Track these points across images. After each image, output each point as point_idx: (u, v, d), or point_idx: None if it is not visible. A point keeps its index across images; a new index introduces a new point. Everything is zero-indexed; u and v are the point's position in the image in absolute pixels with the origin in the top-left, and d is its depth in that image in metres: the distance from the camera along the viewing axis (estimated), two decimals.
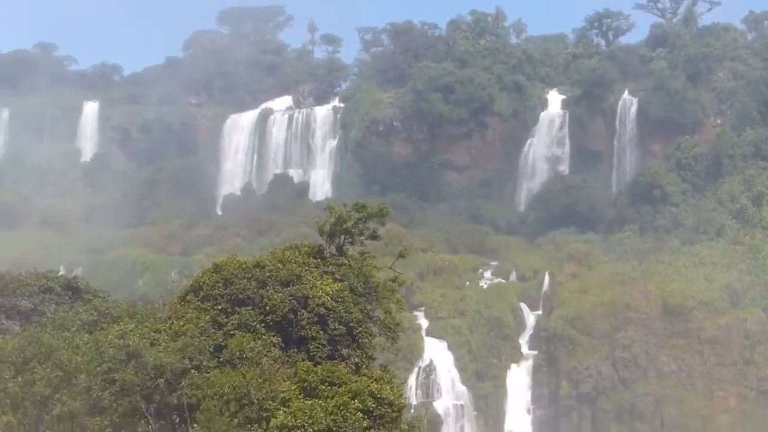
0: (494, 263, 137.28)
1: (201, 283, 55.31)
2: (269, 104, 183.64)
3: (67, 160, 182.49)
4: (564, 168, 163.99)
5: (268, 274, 54.21)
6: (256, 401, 47.82)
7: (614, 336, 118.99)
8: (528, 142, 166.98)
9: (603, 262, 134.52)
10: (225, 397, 48.31)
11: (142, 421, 50.23)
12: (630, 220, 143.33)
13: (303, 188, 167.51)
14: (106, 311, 55.69)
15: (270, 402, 47.50)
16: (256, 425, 47.24)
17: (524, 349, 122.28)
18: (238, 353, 50.72)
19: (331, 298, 53.46)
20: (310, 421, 45.82)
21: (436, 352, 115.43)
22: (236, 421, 47.70)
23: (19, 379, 50.62)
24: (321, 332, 53.31)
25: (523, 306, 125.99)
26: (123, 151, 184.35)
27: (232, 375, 48.90)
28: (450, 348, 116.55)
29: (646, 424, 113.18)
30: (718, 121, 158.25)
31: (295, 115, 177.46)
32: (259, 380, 48.12)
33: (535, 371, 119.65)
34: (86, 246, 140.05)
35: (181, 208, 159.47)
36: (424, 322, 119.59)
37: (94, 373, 50.30)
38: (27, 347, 51.50)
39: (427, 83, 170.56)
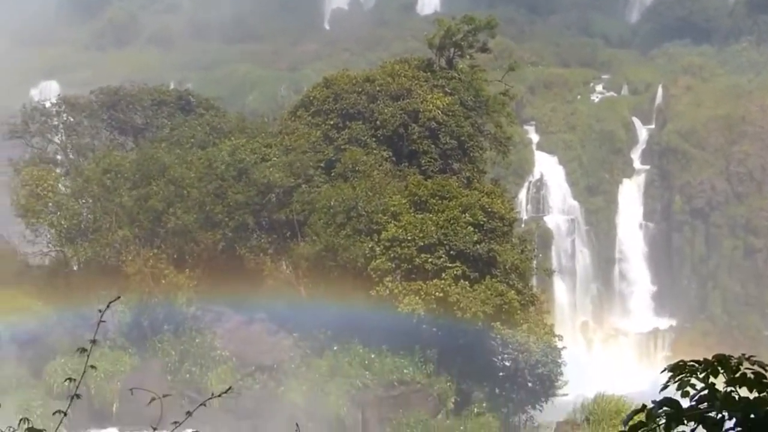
0: (605, 76, 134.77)
1: (311, 98, 55.36)
2: None
3: None
4: None
5: (378, 88, 53.94)
6: (365, 213, 48.14)
7: (729, 150, 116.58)
8: None
9: (718, 74, 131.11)
10: (332, 210, 48.75)
11: (254, 236, 51.03)
12: (747, 31, 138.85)
13: (411, 1, 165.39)
14: (218, 126, 56.06)
15: (380, 215, 47.79)
16: (367, 237, 47.64)
17: (636, 163, 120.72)
18: (351, 166, 50.92)
19: (442, 112, 53.14)
20: (421, 235, 46.10)
21: (547, 167, 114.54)
22: (344, 232, 48.18)
23: (135, 194, 51.57)
24: (432, 146, 53.22)
25: (635, 120, 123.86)
26: None
27: (342, 188, 49.16)
28: (561, 162, 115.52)
29: (760, 239, 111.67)
30: None
31: None
32: (369, 193, 48.35)
33: (648, 186, 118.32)
34: (194, 63, 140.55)
35: (287, 24, 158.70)
36: (534, 137, 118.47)
37: (206, 190, 51.05)
38: (143, 163, 52.31)
39: None
